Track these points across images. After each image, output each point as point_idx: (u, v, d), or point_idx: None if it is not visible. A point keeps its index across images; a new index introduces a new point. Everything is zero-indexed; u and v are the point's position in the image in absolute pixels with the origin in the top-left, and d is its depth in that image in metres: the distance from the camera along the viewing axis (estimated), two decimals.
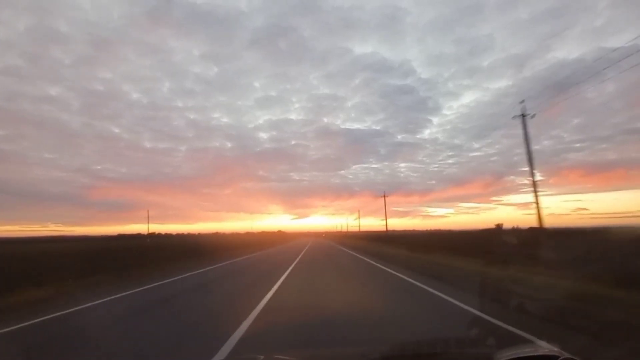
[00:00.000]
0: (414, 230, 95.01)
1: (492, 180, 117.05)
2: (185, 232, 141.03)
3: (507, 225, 31.09)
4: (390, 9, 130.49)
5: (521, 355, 1.17)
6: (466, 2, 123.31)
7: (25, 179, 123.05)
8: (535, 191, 17.23)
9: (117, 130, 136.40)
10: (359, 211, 72.89)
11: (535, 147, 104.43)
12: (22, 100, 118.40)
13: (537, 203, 17.13)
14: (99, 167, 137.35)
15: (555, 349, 1.18)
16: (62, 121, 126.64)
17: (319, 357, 2.18)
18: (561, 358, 1.12)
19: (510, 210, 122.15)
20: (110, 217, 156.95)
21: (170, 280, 11.69)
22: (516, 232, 25.12)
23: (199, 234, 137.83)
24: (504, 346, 1.51)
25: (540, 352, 1.16)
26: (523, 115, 17.60)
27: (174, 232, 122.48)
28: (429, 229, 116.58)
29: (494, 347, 1.46)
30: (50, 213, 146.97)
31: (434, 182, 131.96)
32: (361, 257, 21.66)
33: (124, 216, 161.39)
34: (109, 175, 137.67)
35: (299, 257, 21.69)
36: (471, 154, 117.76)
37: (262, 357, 1.75)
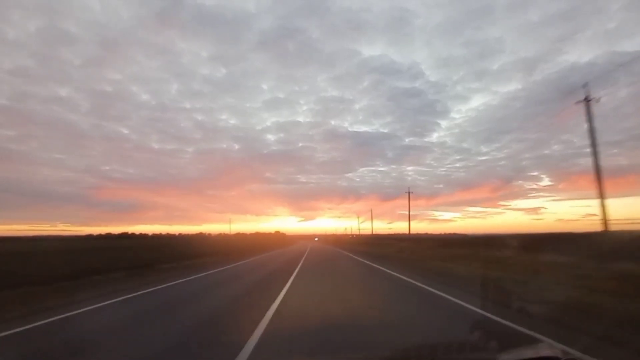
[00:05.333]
0: (426, 234, 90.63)
1: (500, 185, 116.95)
2: (164, 233, 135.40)
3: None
4: (399, 11, 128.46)
5: (523, 358, 1.12)
6: (475, 4, 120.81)
7: (34, 179, 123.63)
8: (601, 191, 14.54)
9: (125, 131, 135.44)
10: (371, 211, 67.84)
11: (544, 151, 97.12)
12: (31, 101, 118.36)
13: (602, 203, 14.44)
14: (107, 168, 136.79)
15: (558, 350, 1.11)
16: (71, 122, 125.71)
17: None
18: (564, 359, 1.04)
19: (518, 215, 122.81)
20: (118, 217, 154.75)
21: None
22: None
23: (180, 234, 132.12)
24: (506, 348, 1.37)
25: (543, 354, 1.09)
26: (587, 100, 14.95)
27: (150, 233, 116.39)
28: (443, 232, 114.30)
29: (496, 350, 1.35)
30: (59, 213, 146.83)
31: (441, 185, 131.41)
32: None
33: (131, 216, 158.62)
34: (117, 175, 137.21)
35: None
36: (479, 158, 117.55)
37: None
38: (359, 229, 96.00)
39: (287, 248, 49.62)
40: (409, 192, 45.92)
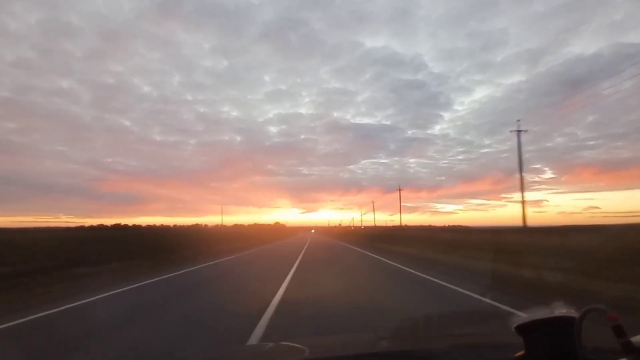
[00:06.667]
0: (430, 226, 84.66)
1: (503, 177, 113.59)
2: (159, 224, 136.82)
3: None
4: (402, 2, 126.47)
5: (537, 318, 1.06)
6: None
7: (37, 171, 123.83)
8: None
9: (127, 124, 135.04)
10: (399, 191, 56.66)
11: (547, 144, 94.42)
12: (33, 93, 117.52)
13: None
14: (109, 160, 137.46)
15: (572, 311, 1.04)
16: (73, 114, 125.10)
17: (327, 343, 2.03)
18: (579, 315, 0.99)
19: (519, 207, 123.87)
20: (121, 209, 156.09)
21: None
22: None
23: (174, 225, 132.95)
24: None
25: (557, 314, 1.04)
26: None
27: (145, 224, 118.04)
28: (444, 225, 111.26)
29: (505, 317, 1.30)
30: (62, 205, 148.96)
31: (443, 178, 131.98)
32: None
33: (134, 208, 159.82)
34: (119, 168, 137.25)
35: None
36: (482, 150, 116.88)
37: (270, 344, 1.67)
38: (374, 221, 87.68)
39: (277, 243, 38.31)
40: (519, 150, 29.35)
